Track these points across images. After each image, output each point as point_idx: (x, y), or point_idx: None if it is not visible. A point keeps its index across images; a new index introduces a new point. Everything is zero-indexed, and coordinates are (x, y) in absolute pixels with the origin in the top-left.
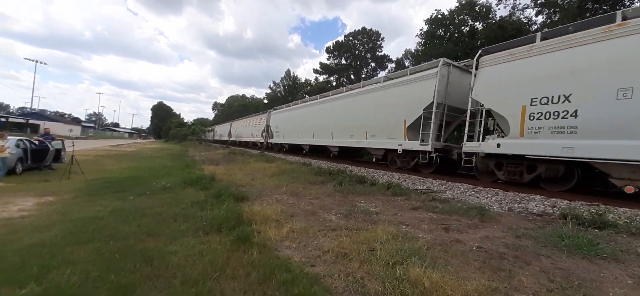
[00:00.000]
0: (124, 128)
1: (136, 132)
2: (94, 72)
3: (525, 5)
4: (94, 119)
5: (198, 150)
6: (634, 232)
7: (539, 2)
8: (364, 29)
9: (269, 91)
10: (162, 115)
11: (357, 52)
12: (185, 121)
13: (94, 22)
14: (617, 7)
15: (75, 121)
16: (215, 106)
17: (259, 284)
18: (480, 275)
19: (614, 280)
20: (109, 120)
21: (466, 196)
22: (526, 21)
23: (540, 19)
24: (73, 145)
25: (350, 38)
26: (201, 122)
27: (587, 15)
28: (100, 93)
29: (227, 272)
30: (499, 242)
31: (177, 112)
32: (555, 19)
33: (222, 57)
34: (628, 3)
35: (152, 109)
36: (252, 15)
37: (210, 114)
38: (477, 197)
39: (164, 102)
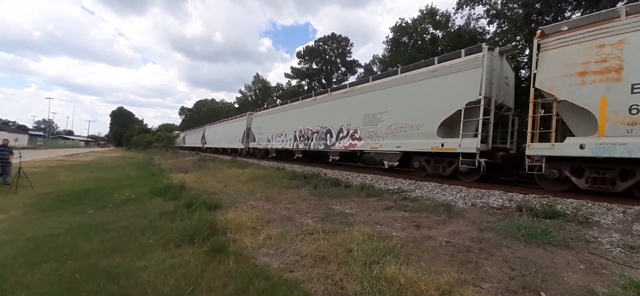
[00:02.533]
0: (79, 136)
1: (93, 140)
2: (43, 76)
3: (479, 16)
4: (43, 126)
5: (165, 158)
6: (581, 220)
7: (490, 13)
8: (333, 34)
9: (239, 95)
10: (123, 121)
11: (327, 57)
12: (150, 126)
13: (44, 21)
14: (559, 19)
15: (22, 129)
16: (183, 110)
17: (237, 294)
18: (450, 268)
19: (567, 266)
20: (61, 128)
21: (434, 194)
22: (480, 30)
23: (492, 28)
24: (20, 156)
25: (321, 43)
26: (167, 128)
27: (533, 25)
28: (50, 98)
29: (202, 285)
30: (465, 236)
31: (140, 118)
32: (505, 28)
33: (190, 60)
34: (568, 15)
35: (111, 115)
36: (221, 18)
37: (176, 119)
38: (444, 194)
39: (125, 107)
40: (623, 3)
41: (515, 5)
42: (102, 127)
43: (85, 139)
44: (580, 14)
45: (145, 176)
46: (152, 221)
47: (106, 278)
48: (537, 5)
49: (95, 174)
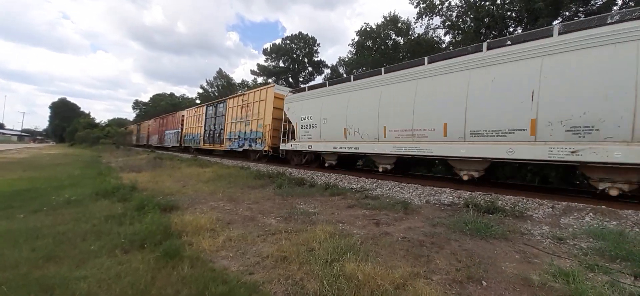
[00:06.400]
0: (11, 130)
1: (29, 135)
2: None
3: (437, 26)
4: None
5: (115, 155)
6: (517, 215)
7: (446, 24)
8: (300, 33)
9: (201, 90)
10: (66, 114)
11: (294, 55)
12: (98, 121)
13: None
14: (504, 33)
15: None
16: (137, 104)
17: None
18: (405, 263)
19: (505, 256)
20: None
21: (393, 192)
22: (437, 39)
23: (448, 38)
24: None
25: (288, 42)
26: (118, 123)
27: (481, 38)
28: None
29: (152, 293)
30: (419, 231)
31: (87, 111)
32: (459, 39)
33: (149, 50)
34: (512, 31)
35: (51, 107)
36: (185, 7)
37: (130, 114)
38: (402, 192)
39: (69, 98)
40: (559, 22)
41: (467, 19)
42: (40, 121)
43: (19, 133)
44: (521, 30)
45: (91, 176)
46: (96, 225)
47: (38, 290)
48: (486, 20)
49: (30, 174)
